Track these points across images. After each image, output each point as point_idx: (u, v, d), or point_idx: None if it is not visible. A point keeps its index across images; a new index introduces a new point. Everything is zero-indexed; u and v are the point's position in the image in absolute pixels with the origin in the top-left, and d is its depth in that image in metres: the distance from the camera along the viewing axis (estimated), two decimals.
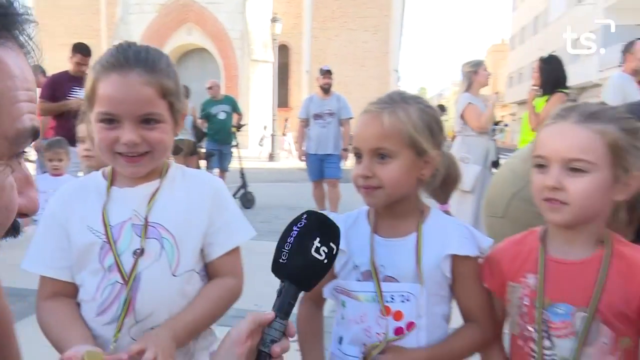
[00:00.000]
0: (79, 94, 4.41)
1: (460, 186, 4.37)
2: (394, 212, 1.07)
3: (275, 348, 0.71)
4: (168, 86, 1.01)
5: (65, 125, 4.16)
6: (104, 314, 1.02)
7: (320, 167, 5.52)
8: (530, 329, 0.96)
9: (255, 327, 0.71)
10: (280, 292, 0.75)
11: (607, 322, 0.91)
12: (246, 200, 6.80)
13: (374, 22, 21.69)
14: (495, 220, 1.63)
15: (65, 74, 4.59)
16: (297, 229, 0.78)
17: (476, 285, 1.06)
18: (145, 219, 1.04)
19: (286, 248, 0.77)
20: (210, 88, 7.08)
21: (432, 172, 1.05)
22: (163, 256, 1.03)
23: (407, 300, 1.01)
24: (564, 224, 0.94)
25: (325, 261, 0.78)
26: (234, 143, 7.13)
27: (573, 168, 0.90)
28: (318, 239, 0.78)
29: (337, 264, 1.09)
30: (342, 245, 1.08)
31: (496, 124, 4.58)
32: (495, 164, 4.29)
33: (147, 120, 0.99)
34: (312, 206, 5.93)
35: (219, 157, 6.96)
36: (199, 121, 6.86)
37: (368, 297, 1.04)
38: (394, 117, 0.99)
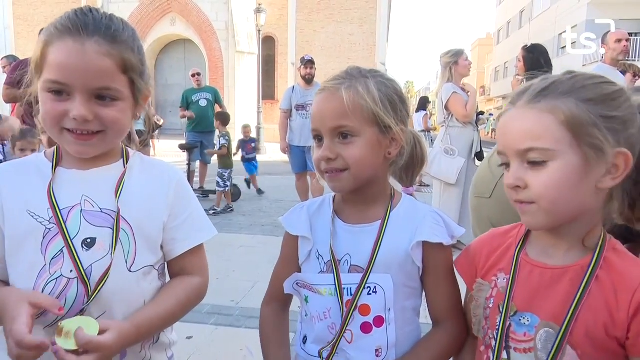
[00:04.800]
0: None
1: (445, 179, 4.30)
2: (362, 197, 0.98)
3: None
4: (130, 60, 0.90)
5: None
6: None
7: (304, 159, 5.41)
8: (491, 336, 0.86)
9: None
10: None
11: (575, 345, 0.76)
12: (231, 194, 6.68)
13: (359, 14, 21.50)
14: (483, 201, 1.55)
15: None
16: None
17: (448, 277, 0.97)
18: (118, 212, 0.93)
19: None
20: (197, 74, 7.01)
21: (398, 150, 0.96)
22: (118, 249, 0.92)
23: (375, 292, 0.92)
24: (539, 227, 0.81)
25: None
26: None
27: (531, 161, 0.76)
28: None
29: (301, 253, 1.01)
30: (306, 232, 1.00)
31: (480, 113, 4.51)
32: (479, 156, 4.24)
33: (102, 96, 0.89)
34: (296, 199, 5.83)
35: (201, 149, 6.83)
36: (185, 112, 6.83)
37: (331, 291, 0.94)
38: (352, 92, 0.90)
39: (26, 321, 0.79)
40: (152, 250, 0.99)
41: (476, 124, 4.33)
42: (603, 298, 0.76)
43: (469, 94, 4.15)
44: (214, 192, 6.64)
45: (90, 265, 0.91)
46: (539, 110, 0.75)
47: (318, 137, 0.95)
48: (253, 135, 7.81)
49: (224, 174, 6.12)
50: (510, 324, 0.82)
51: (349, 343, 0.93)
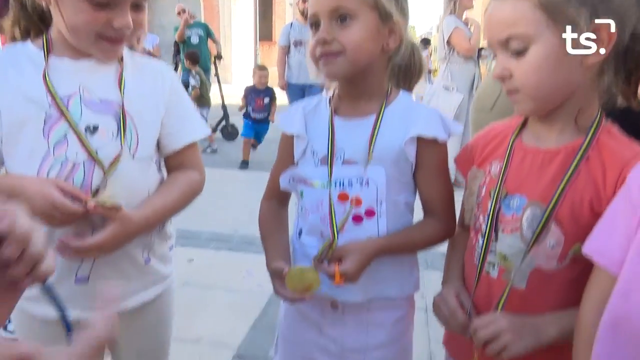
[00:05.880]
0: None
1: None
2: (357, 90, 0.99)
3: None
4: None
5: None
6: None
7: (302, 97, 5.35)
8: (481, 220, 0.90)
9: None
10: None
11: (560, 223, 0.79)
12: (227, 133, 6.67)
13: None
14: (484, 114, 1.57)
15: None
16: None
17: (440, 174, 1.00)
18: (122, 106, 0.96)
19: None
20: (183, 11, 6.79)
21: (397, 44, 0.97)
22: (121, 136, 0.96)
23: (366, 184, 0.95)
24: (529, 113, 0.84)
25: None
26: (212, 72, 6.90)
27: (513, 50, 0.77)
28: None
29: (296, 151, 1.04)
30: (301, 131, 1.02)
31: (481, 49, 4.43)
32: None
33: (136, 4, 0.95)
34: None
35: None
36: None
37: (324, 183, 0.98)
38: None
39: (61, 194, 0.85)
40: (150, 141, 1.03)
41: (478, 60, 4.26)
42: (591, 176, 0.78)
43: (471, 28, 4.06)
44: (212, 130, 6.65)
45: (96, 150, 0.93)
46: None
47: (316, 24, 0.94)
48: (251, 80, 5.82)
49: (202, 113, 6.09)
50: (500, 206, 0.86)
51: (340, 233, 0.97)
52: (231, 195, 3.99)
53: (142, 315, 1.08)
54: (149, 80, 1.04)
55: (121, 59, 1.01)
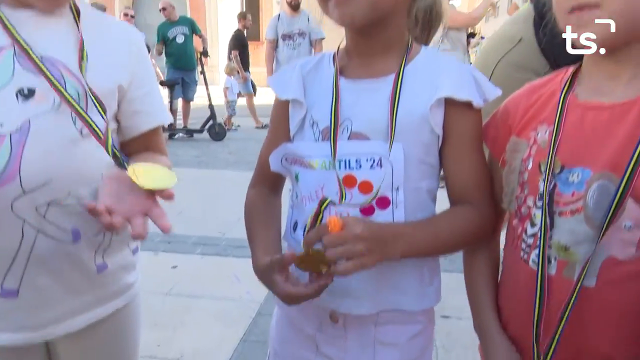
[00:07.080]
0: None
1: None
2: (373, 42, 0.78)
3: None
4: None
5: None
6: None
7: None
8: (529, 204, 0.70)
9: None
10: None
11: (638, 197, 0.60)
12: (215, 133, 6.46)
13: None
14: None
15: None
16: None
17: (474, 148, 0.78)
18: (86, 85, 0.77)
19: None
20: (164, 9, 6.42)
21: None
22: (65, 104, 0.76)
23: (379, 165, 0.74)
24: (604, 40, 0.62)
25: None
26: (198, 70, 6.68)
27: None
28: None
29: (292, 121, 0.82)
30: (298, 95, 0.80)
31: (471, 35, 4.21)
32: None
33: None
34: None
35: (182, 86, 6.52)
36: (157, 47, 6.40)
37: (325, 163, 0.76)
38: None
39: None
40: (102, 114, 0.82)
41: (467, 48, 4.08)
42: None
43: None
44: (199, 131, 6.49)
45: (28, 120, 0.73)
46: None
47: None
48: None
49: None
50: (555, 184, 0.66)
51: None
52: (219, 197, 3.76)
53: (95, 336, 0.87)
54: (112, 40, 0.86)
55: (77, 15, 0.83)
